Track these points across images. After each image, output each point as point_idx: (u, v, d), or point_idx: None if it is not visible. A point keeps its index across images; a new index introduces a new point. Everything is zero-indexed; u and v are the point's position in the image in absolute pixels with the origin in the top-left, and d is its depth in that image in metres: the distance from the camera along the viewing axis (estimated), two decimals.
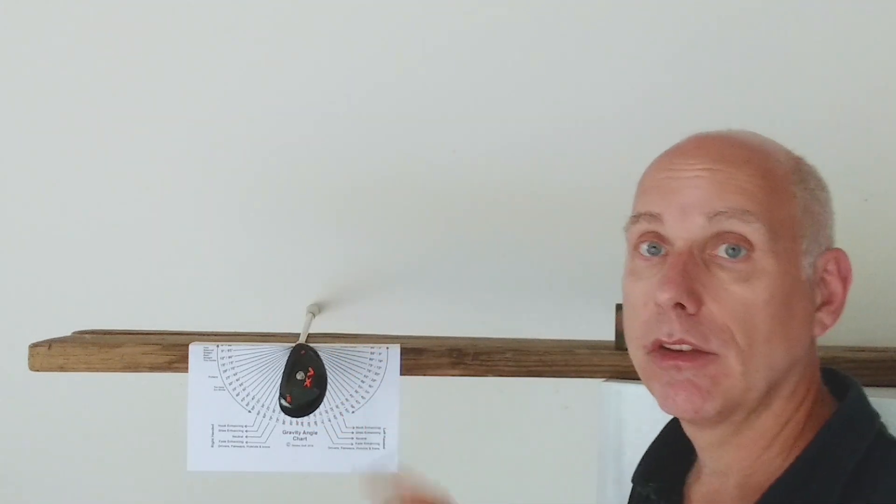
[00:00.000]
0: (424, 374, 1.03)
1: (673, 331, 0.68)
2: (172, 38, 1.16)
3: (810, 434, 0.71)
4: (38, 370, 1.01)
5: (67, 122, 1.18)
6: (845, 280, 0.72)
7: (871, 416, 0.72)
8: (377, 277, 1.24)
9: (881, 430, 0.72)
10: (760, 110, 1.14)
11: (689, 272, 0.67)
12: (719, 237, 0.68)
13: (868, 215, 1.15)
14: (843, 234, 0.76)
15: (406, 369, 1.01)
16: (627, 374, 1.00)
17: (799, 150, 0.76)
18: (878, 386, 0.96)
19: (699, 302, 0.67)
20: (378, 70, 1.17)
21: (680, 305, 0.67)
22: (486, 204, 1.20)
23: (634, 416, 0.98)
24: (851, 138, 1.16)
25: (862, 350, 1.04)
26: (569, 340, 1.09)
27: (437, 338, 1.08)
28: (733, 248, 0.68)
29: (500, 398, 1.27)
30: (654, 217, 0.71)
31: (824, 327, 0.72)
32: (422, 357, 1.02)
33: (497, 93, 1.18)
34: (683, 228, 0.69)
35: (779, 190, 0.69)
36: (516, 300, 1.24)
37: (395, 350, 1.01)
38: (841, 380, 0.76)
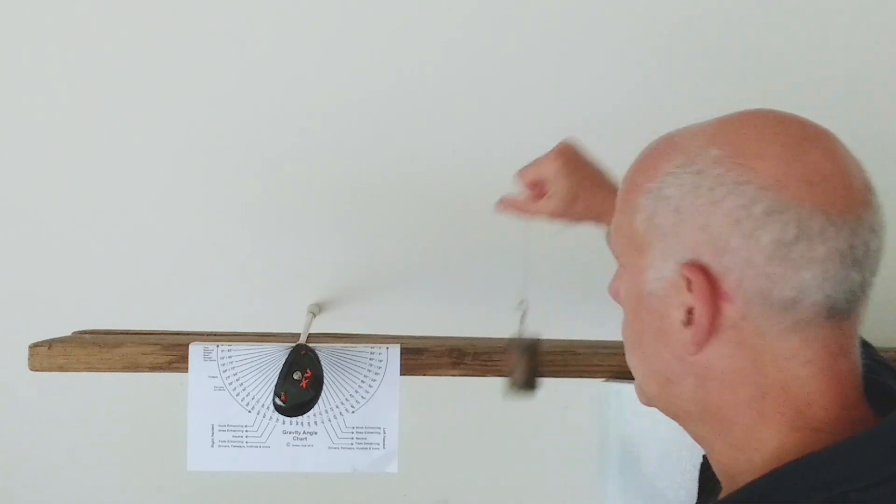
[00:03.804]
0: (424, 374, 1.03)
1: None
2: (174, 37, 1.16)
3: None
4: (38, 370, 1.01)
5: (67, 123, 1.18)
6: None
7: None
8: (377, 277, 1.24)
9: None
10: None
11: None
12: None
13: None
14: None
15: (406, 369, 1.02)
16: (627, 374, 1.00)
17: None
18: None
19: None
20: (378, 70, 1.17)
21: None
22: (487, 204, 1.20)
23: (634, 416, 0.98)
24: (851, 138, 1.16)
25: None
26: (569, 340, 1.09)
27: (437, 338, 1.08)
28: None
29: (500, 398, 1.27)
30: None
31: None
32: (422, 357, 1.02)
33: (497, 92, 1.19)
34: None
35: (627, 203, 0.67)
36: (516, 300, 1.24)
37: (395, 350, 1.01)
38: None
